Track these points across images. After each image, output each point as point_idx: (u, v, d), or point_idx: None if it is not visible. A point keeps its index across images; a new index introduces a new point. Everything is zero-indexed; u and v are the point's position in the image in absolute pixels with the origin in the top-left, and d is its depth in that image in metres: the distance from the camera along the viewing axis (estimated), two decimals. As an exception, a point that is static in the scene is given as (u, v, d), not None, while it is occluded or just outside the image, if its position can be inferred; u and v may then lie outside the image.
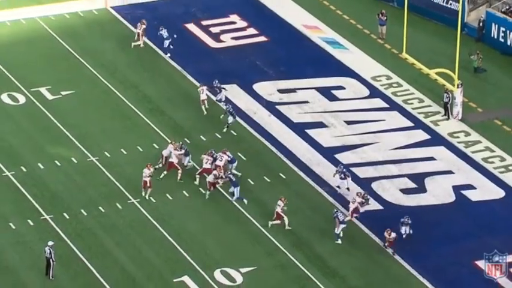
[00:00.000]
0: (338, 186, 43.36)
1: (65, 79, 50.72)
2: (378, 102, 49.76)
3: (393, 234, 40.26)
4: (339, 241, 40.91)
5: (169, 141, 45.17)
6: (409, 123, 48.38)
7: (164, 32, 52.13)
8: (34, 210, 42.53)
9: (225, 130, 46.56)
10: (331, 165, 45.21)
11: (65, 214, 42.45)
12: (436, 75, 49.48)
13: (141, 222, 42.12)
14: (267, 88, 50.48)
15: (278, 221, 41.54)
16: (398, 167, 45.43)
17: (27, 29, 54.63)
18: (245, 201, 42.43)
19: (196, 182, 43.49)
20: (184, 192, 43.49)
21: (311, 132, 47.56)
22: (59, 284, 39.18)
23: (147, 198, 42.63)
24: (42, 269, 39.32)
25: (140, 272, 39.76)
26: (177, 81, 50.92)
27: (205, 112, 48.00)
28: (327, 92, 50.26)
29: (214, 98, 49.03)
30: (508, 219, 42.78)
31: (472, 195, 44.10)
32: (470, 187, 44.50)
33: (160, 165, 43.95)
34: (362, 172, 45.05)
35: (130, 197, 43.26)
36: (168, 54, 52.22)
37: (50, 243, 39.25)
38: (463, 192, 44.22)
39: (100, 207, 42.80)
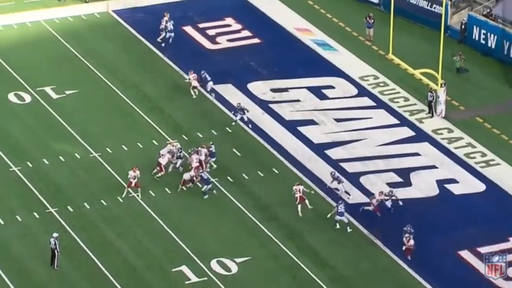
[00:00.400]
0: (336, 189, 43.09)
1: (68, 79, 50.59)
2: (366, 101, 49.69)
3: (411, 242, 39.34)
4: (337, 226, 40.96)
5: (170, 140, 45.07)
6: (395, 121, 48.32)
7: (170, 25, 52.09)
8: (39, 204, 42.42)
9: (250, 126, 46.16)
10: (322, 161, 45.15)
11: (68, 207, 42.35)
12: (420, 75, 49.44)
13: (141, 215, 42.02)
14: (260, 88, 50.39)
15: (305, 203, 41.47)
16: (385, 162, 45.38)
17: (33, 31, 54.47)
18: (213, 192, 41.99)
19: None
20: (182, 187, 43.36)
21: (302, 129, 47.49)
22: (64, 273, 39.08)
23: (137, 195, 42.15)
24: (48, 260, 39.23)
25: (140, 262, 39.68)
26: (176, 81, 50.80)
27: (194, 96, 48.22)
28: (317, 91, 50.18)
29: (203, 90, 49.02)
30: (488, 212, 42.76)
31: (455, 189, 44.06)
32: (453, 181, 44.46)
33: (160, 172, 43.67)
34: (351, 167, 44.99)
35: (130, 191, 43.12)
36: (163, 45, 52.04)
37: (55, 234, 39.15)
38: (446, 186, 44.17)
39: (102, 201, 42.69)
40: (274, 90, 50.27)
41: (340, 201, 41.61)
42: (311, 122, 48.01)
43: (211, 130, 47.05)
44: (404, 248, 39.65)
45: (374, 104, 49.49)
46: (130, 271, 39.27)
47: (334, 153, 45.89)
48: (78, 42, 53.52)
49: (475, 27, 53.53)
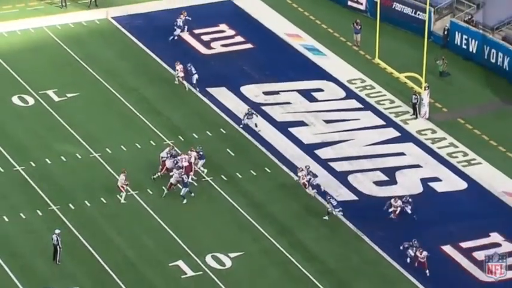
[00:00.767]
0: (309, 183, 42.99)
1: (70, 82, 50.45)
2: (353, 103, 49.66)
3: (424, 253, 38.26)
4: (326, 217, 41.02)
5: (168, 142, 45.02)
6: (381, 122, 48.30)
7: (180, 22, 52.68)
8: (42, 202, 42.31)
9: (259, 130, 46.09)
10: (312, 160, 45.13)
11: (70, 205, 42.24)
12: (405, 78, 49.43)
13: (139, 212, 41.93)
14: (253, 90, 50.33)
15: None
16: (372, 161, 45.35)
17: (36, 37, 54.32)
18: (190, 196, 41.59)
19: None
20: (178, 185, 43.28)
21: (293, 130, 47.44)
22: (65, 268, 38.98)
23: (122, 201, 42.01)
24: (50, 255, 39.12)
25: (139, 257, 39.59)
26: (173, 85, 50.69)
27: (176, 82, 48.76)
28: (307, 94, 50.13)
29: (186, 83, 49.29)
30: (470, 208, 42.77)
31: (438, 187, 44.05)
32: (436, 179, 44.46)
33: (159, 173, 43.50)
34: (339, 166, 44.97)
35: (129, 189, 43.05)
36: (171, 38, 52.61)
37: (57, 231, 39.05)
38: (430, 184, 44.17)
39: (102, 199, 42.59)
40: (266, 93, 50.21)
41: (328, 197, 41.55)
42: (301, 123, 47.97)
43: (206, 131, 46.98)
44: (416, 262, 38.42)
45: (361, 106, 49.46)
46: (129, 266, 39.19)
47: (323, 153, 45.86)
48: (79, 47, 53.38)
49: (457, 33, 53.54)
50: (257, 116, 46.76)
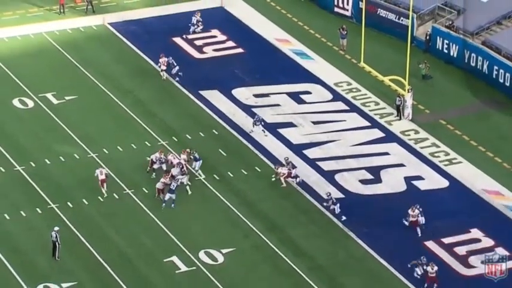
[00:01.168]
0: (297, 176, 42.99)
1: (68, 86, 50.23)
2: (340, 105, 49.57)
3: (436, 268, 36.96)
4: (343, 217, 40.94)
5: (164, 143, 44.82)
6: (367, 123, 48.22)
7: (194, 19, 53.25)
8: (42, 200, 42.09)
9: (266, 134, 45.77)
10: (301, 160, 45.02)
11: (69, 203, 42.03)
12: (389, 81, 49.37)
13: (135, 210, 41.75)
14: (244, 93, 50.19)
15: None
16: (358, 160, 45.27)
17: (35, 42, 54.07)
18: (171, 204, 41.13)
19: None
20: (173, 183, 43.10)
21: (282, 131, 47.31)
22: (64, 264, 38.77)
23: (105, 195, 41.80)
24: (50, 252, 38.91)
25: (135, 253, 39.42)
26: (167, 88, 50.53)
27: (164, 78, 49.52)
28: (296, 96, 50.02)
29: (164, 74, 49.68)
30: (451, 205, 42.72)
31: (421, 185, 44.00)
32: (419, 178, 44.40)
33: (148, 169, 43.34)
34: (326, 165, 44.87)
35: (125, 188, 42.87)
36: (185, 35, 53.40)
37: (56, 228, 38.85)
38: (413, 182, 44.10)
39: (99, 197, 42.38)
40: (256, 96, 50.08)
41: (328, 193, 41.37)
42: (290, 125, 47.85)
43: (199, 132, 46.83)
44: (427, 278, 37.28)
45: (347, 108, 49.37)
46: (126, 262, 39.01)
47: (311, 152, 45.76)
48: (76, 52, 53.16)
49: (438, 38, 53.52)
50: (262, 123, 46.33)
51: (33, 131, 46.78)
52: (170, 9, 57.14)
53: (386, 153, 45.94)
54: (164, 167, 43.06)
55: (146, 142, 45.85)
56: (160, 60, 50.17)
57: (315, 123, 47.95)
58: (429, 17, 54.93)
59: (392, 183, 43.84)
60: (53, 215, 41.14)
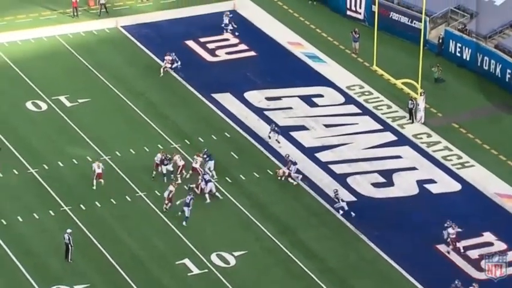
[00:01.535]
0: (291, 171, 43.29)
1: (81, 89, 50.52)
2: (352, 108, 49.68)
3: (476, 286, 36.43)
4: (353, 214, 41.25)
5: (177, 147, 45.05)
6: (379, 126, 48.31)
7: (226, 18, 54.10)
8: (55, 202, 42.36)
9: (280, 146, 45.69)
10: (312, 163, 45.15)
11: (81, 206, 42.29)
12: (402, 84, 49.45)
13: (147, 213, 41.96)
14: (256, 96, 50.37)
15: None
16: (370, 164, 45.37)
17: (49, 45, 54.40)
18: (184, 223, 40.90)
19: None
20: (184, 186, 43.35)
21: (294, 134, 47.47)
22: (77, 266, 39.01)
23: (93, 187, 42.68)
24: (62, 254, 39.15)
25: (147, 255, 39.62)
26: (179, 90, 50.76)
27: (161, 75, 50.52)
28: (308, 100, 50.17)
29: (164, 67, 50.67)
30: (463, 209, 42.75)
31: (433, 188, 44.06)
32: (431, 181, 44.46)
33: (154, 173, 43.49)
34: (339, 168, 44.99)
35: (138, 191, 43.11)
36: (230, 32, 54.15)
37: (69, 230, 39.10)
38: (426, 185, 44.17)
39: (112, 200, 42.63)
40: (268, 99, 50.25)
41: (335, 190, 41.62)
42: (302, 128, 47.99)
43: (211, 135, 47.03)
44: None
45: (360, 111, 49.48)
46: (138, 264, 39.23)
47: (323, 156, 45.89)
48: (89, 55, 53.46)
49: (451, 41, 53.57)
50: (279, 133, 46.46)
51: (46, 133, 47.08)
52: (183, 12, 57.40)
53: (399, 157, 46.02)
54: (170, 168, 43.00)
55: (159, 145, 46.06)
56: (166, 58, 50.81)
57: (327, 126, 48.08)
58: (442, 20, 54.99)
59: (404, 186, 43.93)
60: (65, 218, 41.40)
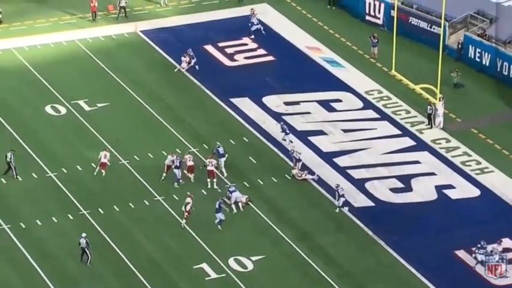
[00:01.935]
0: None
1: (100, 93, 50.77)
2: (371, 113, 49.67)
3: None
4: (337, 210, 41.66)
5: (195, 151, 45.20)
6: (398, 132, 48.28)
7: (255, 19, 54.66)
8: (73, 206, 42.58)
9: (293, 148, 45.67)
10: (330, 168, 45.18)
11: (100, 209, 42.49)
12: (420, 90, 49.38)
13: (165, 217, 42.12)
14: (274, 101, 50.45)
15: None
16: (388, 169, 45.34)
17: (68, 49, 54.71)
18: (219, 227, 41.10)
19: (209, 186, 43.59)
20: (202, 191, 43.51)
21: (313, 139, 47.51)
22: (95, 270, 39.21)
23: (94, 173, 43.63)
24: (80, 257, 39.34)
25: (165, 259, 39.77)
26: (197, 95, 50.93)
27: (176, 70, 51.34)
28: (326, 104, 50.21)
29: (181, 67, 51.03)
30: (482, 215, 42.66)
31: (452, 194, 43.98)
32: (450, 187, 44.38)
33: (164, 175, 43.68)
34: (357, 174, 44.99)
35: (156, 195, 43.28)
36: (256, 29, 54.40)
37: (84, 234, 39.26)
38: (444, 191, 44.10)
39: (130, 204, 42.82)
40: (287, 103, 50.33)
41: (337, 185, 41.89)
42: (320, 133, 48.03)
43: (229, 140, 47.15)
44: None
45: (378, 116, 49.47)
46: (155, 268, 39.37)
47: (341, 161, 45.90)
48: (108, 59, 53.73)
49: (470, 46, 53.47)
50: (287, 131, 46.62)
51: (65, 137, 47.34)
52: (202, 17, 57.60)
53: (417, 162, 45.95)
54: (178, 174, 43.07)
55: (177, 149, 46.19)
56: (184, 58, 51.30)
57: (345, 131, 48.09)
58: (461, 25, 54.90)
59: (423, 191, 43.87)
60: (84, 221, 41.61)
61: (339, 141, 47.33)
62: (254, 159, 45.82)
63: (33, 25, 56.42)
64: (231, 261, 39.56)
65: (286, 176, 44.67)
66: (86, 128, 47.90)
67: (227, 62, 53.89)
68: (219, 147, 44.48)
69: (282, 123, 47.25)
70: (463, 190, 44.12)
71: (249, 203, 42.27)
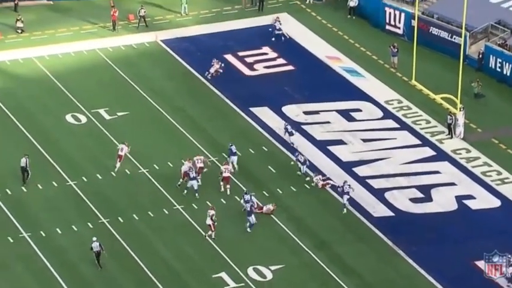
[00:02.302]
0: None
1: (120, 102, 50.98)
2: (390, 123, 49.62)
3: None
4: (344, 210, 41.74)
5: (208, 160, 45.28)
6: (418, 141, 48.19)
7: (277, 24, 55.34)
8: (93, 215, 42.75)
9: (296, 148, 46.18)
10: (350, 177, 45.12)
11: (119, 218, 42.64)
12: (441, 99, 49.30)
13: (184, 226, 42.21)
14: (294, 110, 50.50)
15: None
16: (408, 179, 45.25)
17: (89, 58, 55.00)
18: (249, 230, 41.41)
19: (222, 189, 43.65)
20: (222, 200, 43.59)
21: (332, 148, 47.51)
22: (114, 278, 39.32)
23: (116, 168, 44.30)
24: (99, 264, 39.49)
25: (183, 268, 39.84)
26: (217, 104, 51.05)
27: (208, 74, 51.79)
28: (346, 114, 50.19)
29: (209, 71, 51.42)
30: (503, 225, 42.47)
31: (472, 204, 43.83)
32: (470, 197, 44.24)
33: (181, 181, 43.80)
34: (376, 183, 44.92)
35: (175, 204, 43.39)
36: (277, 34, 55.69)
37: (94, 238, 39.35)
38: (465, 201, 43.95)
39: (149, 212, 42.95)
40: (306, 113, 50.36)
41: (345, 181, 41.92)
42: (340, 142, 48.02)
43: (249, 149, 47.21)
44: None
45: (398, 126, 49.40)
46: (174, 277, 39.45)
47: (361, 170, 45.86)
48: (129, 68, 53.96)
49: (491, 56, 53.33)
50: (292, 134, 46.84)
51: (85, 146, 47.56)
52: (222, 26, 57.79)
53: (437, 172, 45.84)
54: (195, 185, 43.21)
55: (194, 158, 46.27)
56: (214, 66, 52.03)
57: (364, 141, 48.05)
58: (482, 35, 54.78)
59: (443, 202, 43.74)
60: (104, 230, 41.76)
61: (359, 151, 47.29)
62: (273, 168, 45.85)
63: (54, 34, 56.78)
64: (250, 271, 39.57)
65: (305, 185, 44.66)
66: (106, 137, 48.10)
67: (247, 71, 54.01)
68: (231, 145, 44.62)
69: (286, 123, 47.20)
70: (483, 200, 43.96)
71: (271, 214, 42.26)
